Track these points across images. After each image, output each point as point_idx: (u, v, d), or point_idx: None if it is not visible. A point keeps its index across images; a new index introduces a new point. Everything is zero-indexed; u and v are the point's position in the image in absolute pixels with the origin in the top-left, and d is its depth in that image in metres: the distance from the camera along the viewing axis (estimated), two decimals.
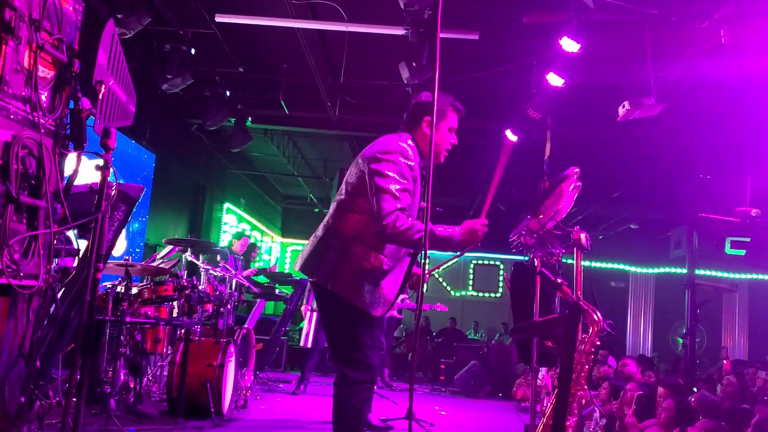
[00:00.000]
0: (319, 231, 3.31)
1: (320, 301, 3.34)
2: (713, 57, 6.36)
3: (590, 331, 2.33)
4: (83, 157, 2.44)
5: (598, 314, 2.30)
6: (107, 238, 3.73)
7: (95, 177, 2.42)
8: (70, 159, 2.45)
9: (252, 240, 10.37)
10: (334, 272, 3.14)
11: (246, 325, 7.68)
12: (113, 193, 2.82)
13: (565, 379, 2.23)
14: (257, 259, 10.04)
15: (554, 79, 7.05)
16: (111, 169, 2.37)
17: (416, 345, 2.37)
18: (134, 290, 5.68)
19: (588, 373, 2.34)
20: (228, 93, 9.02)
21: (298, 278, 9.67)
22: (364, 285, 3.13)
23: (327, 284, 3.15)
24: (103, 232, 2.36)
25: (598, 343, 2.35)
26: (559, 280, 2.32)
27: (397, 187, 3.10)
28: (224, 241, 11.76)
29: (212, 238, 11.38)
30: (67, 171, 2.42)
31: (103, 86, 2.33)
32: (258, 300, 9.15)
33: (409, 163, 3.18)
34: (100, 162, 2.36)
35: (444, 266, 16.03)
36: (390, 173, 3.12)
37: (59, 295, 3.31)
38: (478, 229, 3.13)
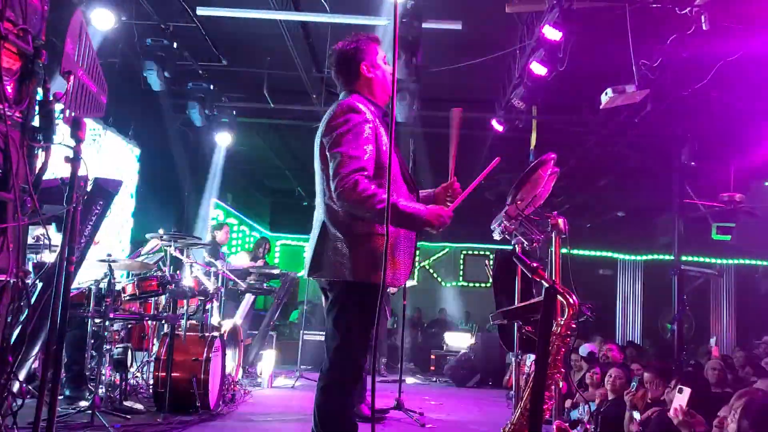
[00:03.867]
0: (315, 230, 3.09)
1: (335, 298, 3.05)
2: (694, 43, 6.37)
3: (566, 314, 2.34)
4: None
5: (574, 297, 2.30)
6: (85, 233, 3.72)
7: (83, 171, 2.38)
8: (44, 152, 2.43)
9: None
10: (346, 263, 2.94)
11: (234, 319, 7.68)
12: (88, 186, 2.79)
13: (541, 362, 2.23)
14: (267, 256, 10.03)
15: (537, 68, 7.05)
16: (82, 161, 2.34)
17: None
18: (118, 286, 5.67)
19: (564, 356, 2.35)
20: (212, 86, 8.98)
21: (286, 272, 9.66)
22: (381, 261, 2.86)
23: (342, 277, 2.94)
24: (75, 225, 2.34)
25: (574, 326, 2.36)
26: (535, 265, 2.32)
27: (354, 146, 2.87)
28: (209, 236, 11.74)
29: (199, 233, 11.33)
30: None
31: (72, 77, 2.31)
32: (246, 295, 9.13)
33: (364, 117, 2.95)
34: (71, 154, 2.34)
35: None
36: (344, 135, 2.90)
37: (37, 290, 3.29)
38: (444, 218, 2.95)
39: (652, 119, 8.62)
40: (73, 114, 2.40)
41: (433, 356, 11.49)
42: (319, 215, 3.11)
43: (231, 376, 6.53)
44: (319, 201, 3.12)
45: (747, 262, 14.26)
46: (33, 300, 3.28)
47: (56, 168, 2.49)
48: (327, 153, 2.96)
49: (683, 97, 7.94)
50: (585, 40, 6.79)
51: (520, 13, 7.12)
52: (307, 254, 3.13)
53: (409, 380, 10.12)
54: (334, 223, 3.00)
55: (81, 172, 2.39)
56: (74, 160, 2.31)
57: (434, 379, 10.68)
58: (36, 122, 2.30)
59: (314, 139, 3.20)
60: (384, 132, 3.05)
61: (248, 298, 8.46)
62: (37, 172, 2.29)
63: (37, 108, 2.29)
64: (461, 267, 16.87)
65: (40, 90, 2.28)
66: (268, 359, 8.10)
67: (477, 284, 16.49)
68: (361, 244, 2.95)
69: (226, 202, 13.05)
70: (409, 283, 9.20)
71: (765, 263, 14.09)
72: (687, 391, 3.88)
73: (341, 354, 2.98)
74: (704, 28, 5.96)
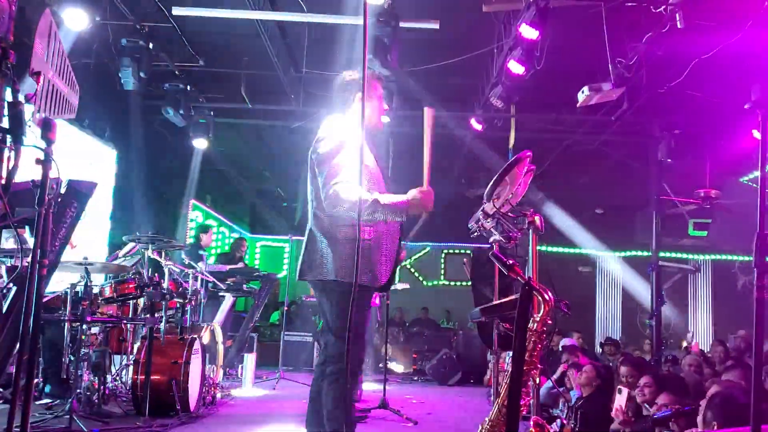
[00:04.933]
0: (306, 238, 3.42)
1: (325, 297, 3.37)
2: (669, 41, 6.44)
3: (541, 310, 2.35)
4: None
5: (549, 294, 2.32)
6: (59, 235, 3.68)
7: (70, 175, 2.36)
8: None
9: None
10: (331, 264, 3.26)
11: (214, 322, 7.62)
12: (61, 188, 2.76)
13: (518, 359, 2.24)
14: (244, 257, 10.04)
15: (515, 67, 7.08)
16: (53, 163, 2.32)
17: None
18: (96, 289, 5.60)
19: (541, 353, 2.36)
20: (189, 87, 8.91)
21: (266, 273, 9.62)
22: (365, 261, 3.24)
23: (329, 276, 3.26)
24: (47, 228, 2.31)
25: (550, 322, 2.37)
26: (510, 262, 2.33)
27: (338, 158, 3.23)
28: (191, 238, 11.65)
29: (178, 235, 11.25)
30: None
31: (41, 77, 2.28)
32: (227, 296, 9.08)
33: (347, 132, 3.31)
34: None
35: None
36: (329, 149, 3.27)
37: (11, 294, 3.24)
38: (421, 197, 3.28)
39: (628, 117, 8.70)
40: (43, 115, 2.37)
41: (415, 355, 11.50)
42: (310, 228, 3.44)
43: (211, 378, 6.48)
44: (310, 215, 3.45)
45: (724, 257, 14.42)
46: (7, 304, 3.24)
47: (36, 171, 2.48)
48: (315, 168, 3.33)
49: (659, 94, 8.02)
50: (562, 38, 6.83)
51: (497, 12, 7.15)
52: (300, 259, 3.45)
53: (392, 380, 10.11)
54: (319, 230, 3.35)
55: (53, 174, 2.36)
56: (45, 162, 2.29)
57: (416, 378, 10.70)
58: (5, 123, 2.27)
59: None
60: (369, 150, 3.43)
61: (228, 300, 8.41)
62: (7, 174, 2.26)
63: (6, 109, 2.26)
64: (442, 266, 16.89)
65: (8, 91, 2.25)
66: (248, 361, 8.06)
67: (458, 283, 16.53)
68: (343, 247, 3.26)
69: (205, 203, 12.96)
70: (401, 286, 9.28)
71: (741, 258, 14.25)
72: (626, 391, 3.98)
73: (336, 348, 3.26)
74: (679, 26, 6.02)
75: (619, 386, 4.29)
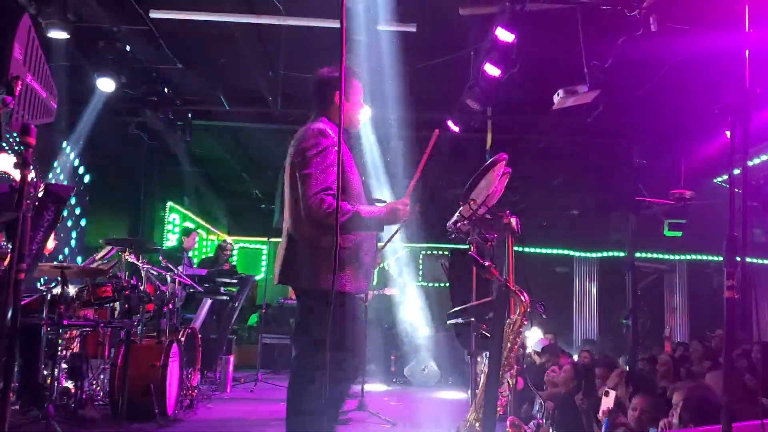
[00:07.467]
0: (284, 241, 3.39)
1: (304, 304, 3.36)
2: (644, 44, 6.54)
3: (518, 311, 2.39)
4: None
5: (525, 295, 2.35)
6: (36, 239, 3.66)
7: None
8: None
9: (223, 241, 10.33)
10: (313, 271, 3.19)
11: (192, 325, 7.59)
12: (39, 192, 2.75)
13: (495, 360, 2.28)
14: (230, 258, 10.04)
15: (491, 70, 7.13)
16: (32, 167, 2.31)
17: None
18: (72, 292, 5.56)
19: (517, 353, 2.40)
20: (166, 90, 8.86)
21: (244, 275, 9.60)
22: (346, 269, 3.22)
23: (310, 285, 3.22)
24: (26, 232, 2.30)
25: (526, 323, 2.41)
26: (487, 263, 2.36)
27: (322, 168, 3.21)
28: (170, 240, 11.60)
29: (156, 237, 11.19)
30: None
31: (20, 82, 2.27)
32: (204, 299, 9.04)
33: (332, 140, 3.27)
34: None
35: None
36: (313, 157, 3.23)
37: None
38: (400, 209, 3.29)
39: (603, 119, 8.80)
40: (21, 119, 2.37)
41: (392, 357, 11.53)
42: (287, 228, 3.39)
43: (189, 382, 6.46)
44: (287, 216, 3.41)
45: (699, 257, 14.60)
46: None
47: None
48: (297, 173, 3.28)
49: (634, 96, 8.12)
50: (537, 41, 6.90)
51: (474, 15, 7.20)
52: (277, 262, 3.41)
53: (370, 382, 10.12)
54: (301, 237, 3.30)
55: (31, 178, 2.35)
56: (23, 166, 2.28)
57: (394, 380, 10.72)
58: None
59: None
60: (351, 158, 3.44)
61: (206, 303, 8.37)
62: None
63: None
64: (420, 267, 16.92)
65: None
66: (226, 364, 8.03)
67: (436, 284, 16.58)
68: (325, 256, 3.14)
69: (182, 206, 12.89)
70: (388, 291, 9.39)
71: (716, 258, 14.44)
72: (612, 393, 4.03)
73: (305, 358, 3.21)
74: (652, 29, 6.12)
75: (606, 389, 4.32)
